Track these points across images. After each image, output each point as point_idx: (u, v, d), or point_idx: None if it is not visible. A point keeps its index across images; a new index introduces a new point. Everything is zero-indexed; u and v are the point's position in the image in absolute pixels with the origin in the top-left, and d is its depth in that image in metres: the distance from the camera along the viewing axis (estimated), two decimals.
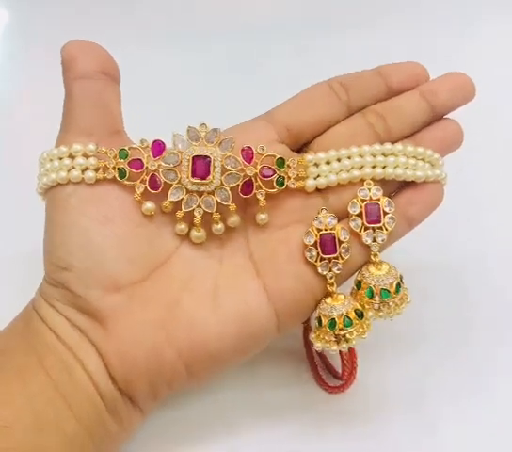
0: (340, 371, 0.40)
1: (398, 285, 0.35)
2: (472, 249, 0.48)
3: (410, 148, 0.36)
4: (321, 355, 0.41)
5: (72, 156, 0.35)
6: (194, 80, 0.58)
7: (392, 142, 0.37)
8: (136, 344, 0.34)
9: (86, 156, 0.35)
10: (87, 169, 0.35)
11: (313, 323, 0.36)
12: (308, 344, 0.41)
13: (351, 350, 0.38)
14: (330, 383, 0.40)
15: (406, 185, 0.37)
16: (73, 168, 0.35)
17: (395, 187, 0.37)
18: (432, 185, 0.37)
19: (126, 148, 0.35)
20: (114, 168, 0.35)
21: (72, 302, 0.34)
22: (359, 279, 0.35)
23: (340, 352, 0.38)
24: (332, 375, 0.41)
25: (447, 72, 0.39)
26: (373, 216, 0.35)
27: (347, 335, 0.34)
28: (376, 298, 0.34)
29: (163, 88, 0.56)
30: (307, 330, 0.41)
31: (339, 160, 0.36)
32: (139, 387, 0.34)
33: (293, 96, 0.38)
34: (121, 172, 0.35)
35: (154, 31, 0.64)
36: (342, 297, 0.34)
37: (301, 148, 0.38)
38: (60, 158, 0.35)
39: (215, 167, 0.34)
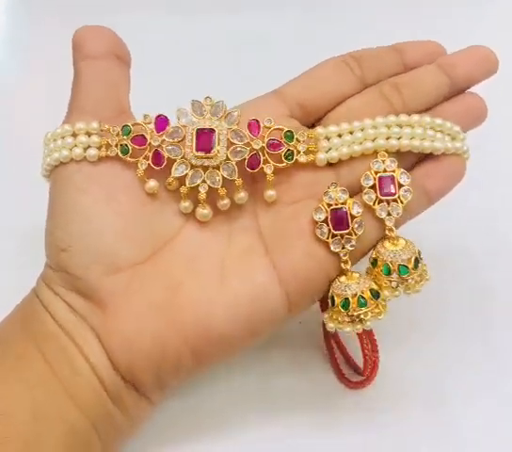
0: (361, 366, 0.37)
1: (416, 261, 0.32)
2: (493, 232, 0.46)
3: (427, 119, 0.34)
4: (341, 348, 0.38)
5: (75, 135, 0.34)
6: (193, 54, 0.57)
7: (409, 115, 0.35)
8: (137, 329, 0.32)
9: (89, 134, 0.34)
10: (89, 146, 0.34)
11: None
12: (328, 337, 0.38)
13: (373, 345, 0.36)
14: (351, 378, 0.38)
15: (425, 158, 0.35)
16: (76, 146, 0.34)
17: (413, 161, 0.35)
18: (452, 157, 0.35)
19: (129, 124, 0.34)
20: (117, 145, 0.33)
21: (73, 286, 0.33)
22: (374, 256, 0.33)
23: (361, 347, 0.36)
24: (352, 369, 0.38)
25: (468, 45, 0.37)
26: (387, 188, 0.32)
27: (362, 316, 0.31)
28: (394, 276, 0.32)
29: (163, 61, 0.55)
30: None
31: (351, 133, 0.34)
32: (143, 375, 0.32)
33: (304, 72, 0.36)
34: (124, 149, 0.33)
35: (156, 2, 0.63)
36: (356, 275, 0.32)
37: (314, 124, 0.36)
38: (63, 137, 0.34)
39: (220, 140, 0.33)
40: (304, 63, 0.37)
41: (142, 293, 0.32)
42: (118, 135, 0.34)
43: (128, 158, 0.33)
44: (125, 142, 0.33)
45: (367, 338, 0.36)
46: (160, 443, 0.36)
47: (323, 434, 0.36)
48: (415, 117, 0.34)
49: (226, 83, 0.47)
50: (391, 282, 0.32)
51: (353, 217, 0.32)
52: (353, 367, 0.38)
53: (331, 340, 0.39)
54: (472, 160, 0.36)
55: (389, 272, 0.32)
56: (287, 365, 0.39)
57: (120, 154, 0.33)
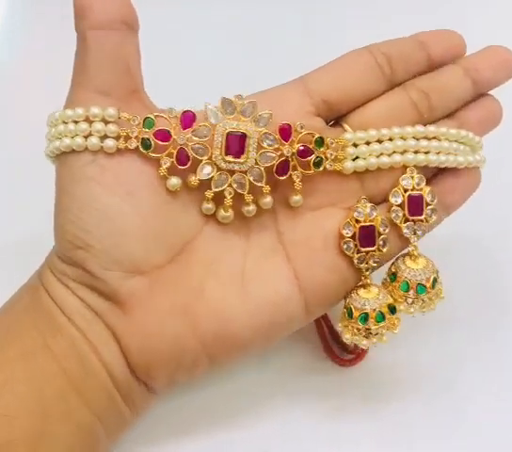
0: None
1: (435, 280, 0.33)
2: (504, 225, 0.46)
3: (453, 131, 0.34)
4: (330, 328, 0.39)
5: (88, 120, 0.31)
6: (201, 41, 0.55)
7: (434, 121, 0.35)
8: (158, 332, 0.32)
9: (105, 122, 0.31)
10: (106, 136, 0.31)
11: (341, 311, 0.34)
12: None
13: None
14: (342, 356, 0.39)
15: (444, 169, 0.35)
16: (91, 134, 0.31)
17: (433, 172, 0.35)
18: (472, 170, 0.35)
19: (152, 116, 0.31)
20: (137, 137, 0.31)
21: (89, 283, 0.31)
22: (393, 270, 0.33)
23: None
24: (343, 349, 0.39)
25: (488, 45, 0.36)
26: (416, 209, 0.33)
27: (379, 330, 0.32)
28: (411, 293, 0.33)
29: (173, 49, 0.53)
30: None
31: (379, 141, 0.33)
32: (158, 376, 0.32)
33: (331, 62, 0.35)
34: (146, 143, 0.31)
35: None
36: (375, 290, 0.33)
37: (335, 120, 0.35)
38: (76, 121, 0.31)
39: (250, 145, 0.31)
40: (312, 52, 0.35)
41: (164, 295, 0.32)
42: (138, 125, 0.31)
43: (150, 154, 0.31)
44: (147, 136, 0.31)
45: None
46: (149, 441, 0.36)
47: (324, 420, 0.37)
48: (442, 129, 0.34)
49: (233, 73, 0.45)
50: (406, 298, 0.33)
51: (379, 234, 0.32)
52: (343, 346, 0.39)
53: (321, 320, 0.39)
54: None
55: (407, 289, 0.33)
56: (281, 351, 0.39)
57: (142, 149, 0.31)
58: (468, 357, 0.40)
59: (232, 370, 0.38)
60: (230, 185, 0.32)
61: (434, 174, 0.35)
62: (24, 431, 0.29)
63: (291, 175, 0.32)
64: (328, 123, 0.35)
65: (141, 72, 0.33)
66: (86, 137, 0.31)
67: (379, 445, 0.36)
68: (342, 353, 0.39)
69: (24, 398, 0.30)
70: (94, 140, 0.31)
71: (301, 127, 0.32)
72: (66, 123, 0.32)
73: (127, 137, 0.31)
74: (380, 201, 0.34)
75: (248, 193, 0.32)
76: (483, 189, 0.36)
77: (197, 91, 0.32)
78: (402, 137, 0.33)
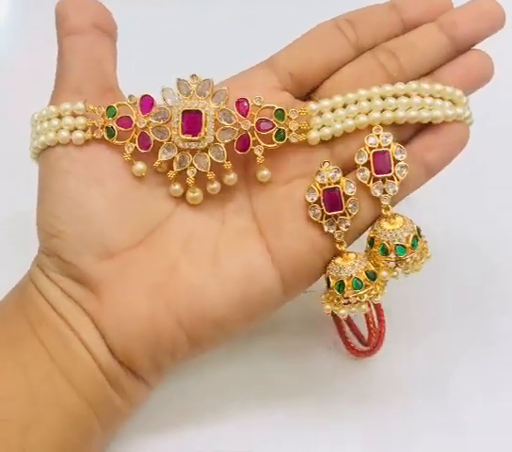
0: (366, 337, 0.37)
1: (415, 239, 0.31)
2: (498, 223, 0.44)
3: (426, 86, 0.32)
4: (348, 320, 0.38)
5: (61, 116, 0.33)
6: (191, 34, 0.56)
7: (407, 82, 0.33)
8: (131, 313, 0.32)
9: (74, 116, 0.33)
10: (75, 129, 0.33)
11: None
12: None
13: (380, 316, 0.35)
14: (358, 348, 0.38)
15: (425, 128, 0.33)
16: (62, 128, 0.33)
17: (412, 132, 0.33)
18: (453, 125, 0.33)
19: (114, 105, 0.32)
20: (103, 127, 0.32)
21: (66, 271, 0.33)
22: (371, 236, 0.32)
23: (366, 319, 0.36)
24: (359, 340, 0.38)
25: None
26: (381, 165, 0.31)
27: (358, 298, 0.31)
28: (392, 256, 0.31)
29: (160, 44, 0.54)
30: None
31: (345, 106, 0.32)
32: (139, 359, 0.32)
33: (296, 39, 0.34)
34: (110, 131, 0.32)
35: None
36: (352, 256, 0.31)
37: (308, 95, 0.34)
38: (49, 119, 0.33)
39: (207, 122, 0.32)
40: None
41: (136, 277, 0.32)
42: (103, 115, 0.33)
43: (115, 141, 0.32)
44: (111, 124, 0.32)
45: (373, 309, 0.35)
46: (145, 432, 0.36)
47: (317, 421, 0.36)
48: (412, 84, 0.32)
49: (223, 66, 0.46)
50: (388, 262, 0.31)
51: (347, 196, 0.31)
52: (358, 337, 0.38)
53: None
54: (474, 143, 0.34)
55: (386, 253, 0.31)
56: (280, 351, 0.39)
57: (106, 137, 0.32)
58: (467, 357, 0.38)
59: (219, 367, 0.38)
60: (191, 165, 0.32)
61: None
62: (14, 413, 0.30)
63: (253, 150, 0.32)
64: (302, 99, 0.34)
65: (115, 72, 0.35)
66: (57, 132, 0.33)
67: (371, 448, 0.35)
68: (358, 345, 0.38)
69: (13, 383, 0.31)
70: (64, 133, 0.33)
71: (259, 100, 0.32)
72: (42, 122, 0.34)
73: (94, 128, 0.33)
74: (354, 168, 0.32)
75: (211, 171, 0.32)
76: (482, 194, 0.34)
77: None
78: (368, 99, 0.32)
